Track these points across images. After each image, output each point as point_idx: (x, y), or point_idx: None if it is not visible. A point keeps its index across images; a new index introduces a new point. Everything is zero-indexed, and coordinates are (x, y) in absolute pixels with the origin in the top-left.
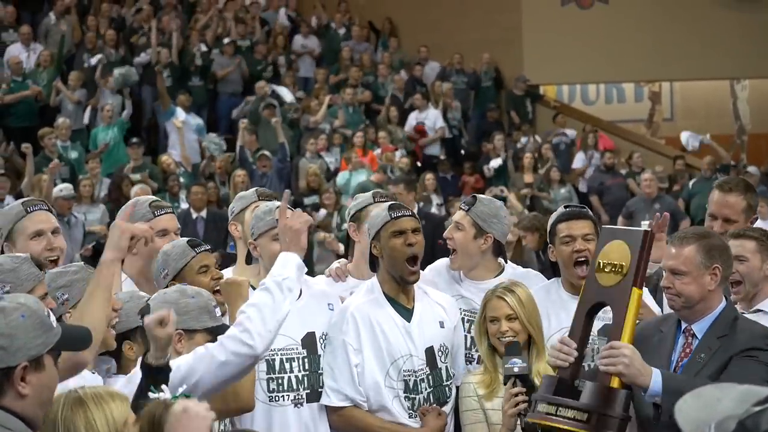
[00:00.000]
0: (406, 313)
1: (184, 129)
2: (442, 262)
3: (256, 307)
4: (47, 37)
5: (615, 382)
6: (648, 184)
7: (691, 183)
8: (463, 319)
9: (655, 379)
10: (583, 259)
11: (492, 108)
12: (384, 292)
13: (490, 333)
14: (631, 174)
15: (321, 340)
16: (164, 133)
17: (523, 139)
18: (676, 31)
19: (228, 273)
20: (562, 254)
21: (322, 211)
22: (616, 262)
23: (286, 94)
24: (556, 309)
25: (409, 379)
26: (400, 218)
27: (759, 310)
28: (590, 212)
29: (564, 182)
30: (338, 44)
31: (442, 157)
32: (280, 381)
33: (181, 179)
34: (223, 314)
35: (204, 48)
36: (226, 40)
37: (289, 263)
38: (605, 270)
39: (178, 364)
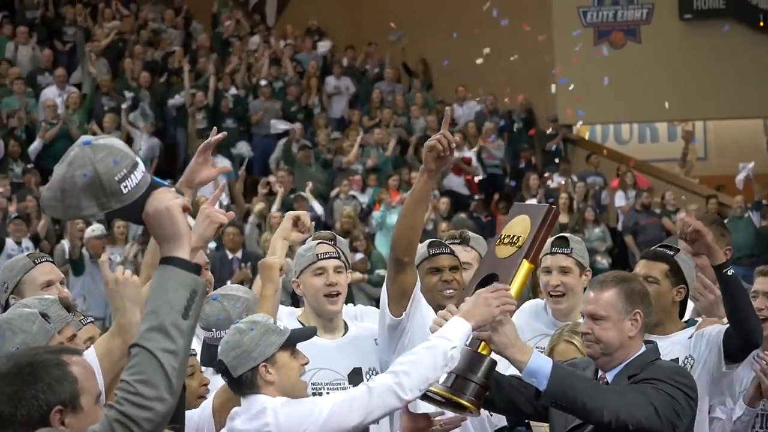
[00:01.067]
0: None
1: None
2: (536, 303)
3: (417, 363)
4: (83, 80)
5: (484, 349)
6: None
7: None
8: None
9: (535, 359)
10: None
11: (525, 148)
12: None
13: None
14: (665, 213)
15: (367, 376)
16: None
17: (557, 179)
18: (709, 69)
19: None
20: None
21: (358, 254)
22: (514, 235)
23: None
24: None
25: None
26: (438, 255)
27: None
28: (668, 254)
29: (598, 222)
30: (370, 85)
31: (477, 197)
32: None
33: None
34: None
35: (236, 90)
36: (264, 82)
37: (461, 330)
38: (504, 242)
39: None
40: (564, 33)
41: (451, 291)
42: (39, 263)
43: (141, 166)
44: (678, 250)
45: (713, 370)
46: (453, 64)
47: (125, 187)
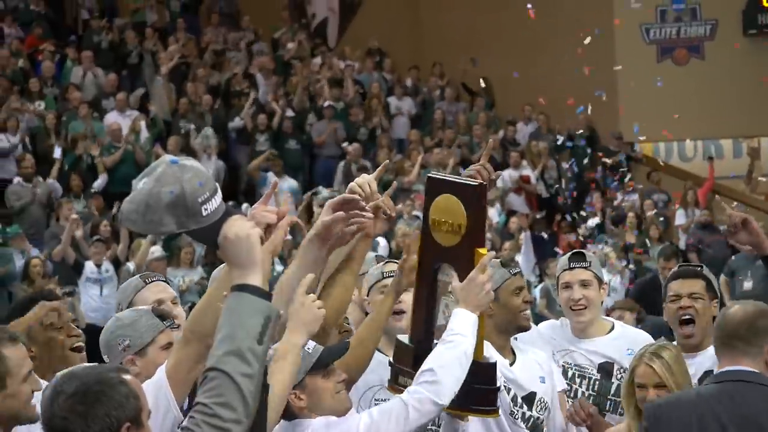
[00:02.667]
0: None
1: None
2: (551, 323)
3: (445, 368)
4: (149, 102)
5: (479, 356)
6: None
7: None
8: (574, 374)
9: None
10: (688, 317)
11: (588, 167)
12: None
13: (638, 399)
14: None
15: (539, 403)
16: (260, 196)
17: (621, 197)
18: None
19: None
20: (669, 313)
21: None
22: (452, 221)
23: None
24: None
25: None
26: (517, 275)
27: None
28: (703, 271)
29: (662, 240)
30: (432, 105)
31: (538, 216)
32: None
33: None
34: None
35: (294, 112)
36: (326, 104)
37: (470, 322)
38: (442, 229)
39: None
40: (627, 50)
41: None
42: (150, 282)
43: (219, 192)
44: (702, 266)
45: None
46: (515, 83)
47: (205, 209)
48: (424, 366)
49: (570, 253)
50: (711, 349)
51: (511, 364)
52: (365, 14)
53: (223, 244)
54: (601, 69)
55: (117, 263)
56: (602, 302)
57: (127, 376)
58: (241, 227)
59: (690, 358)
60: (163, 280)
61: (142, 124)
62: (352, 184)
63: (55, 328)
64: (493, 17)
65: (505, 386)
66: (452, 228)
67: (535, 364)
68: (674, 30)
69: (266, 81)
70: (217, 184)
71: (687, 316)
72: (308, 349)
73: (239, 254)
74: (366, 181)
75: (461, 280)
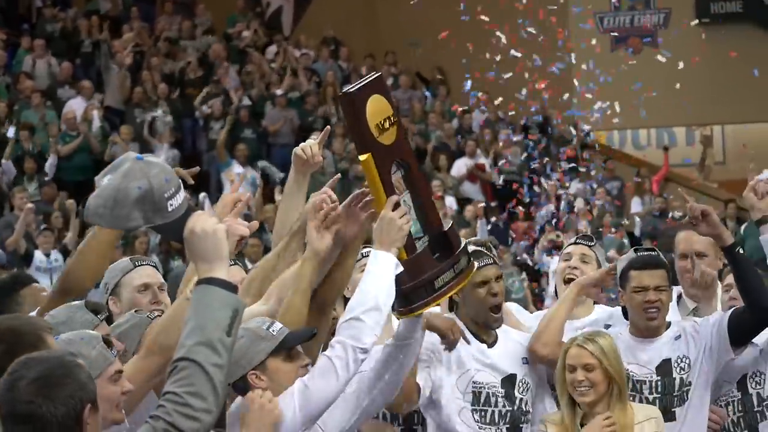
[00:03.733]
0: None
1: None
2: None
3: (362, 321)
4: (105, 91)
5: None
6: None
7: (742, 227)
8: None
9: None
10: (654, 310)
11: (541, 154)
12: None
13: (568, 382)
14: (684, 218)
15: (520, 384)
16: (217, 184)
17: (575, 185)
18: (726, 74)
19: None
20: (632, 302)
21: None
22: (389, 116)
23: (275, 173)
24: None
25: (480, 392)
26: (483, 267)
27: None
28: (663, 258)
29: (617, 226)
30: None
31: (493, 204)
32: (483, 413)
33: None
34: None
35: (252, 100)
36: (278, 92)
37: (391, 264)
38: (385, 128)
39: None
40: (581, 39)
41: (497, 301)
42: (139, 266)
43: (182, 188)
44: (658, 252)
45: (721, 358)
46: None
47: (171, 205)
48: (345, 314)
49: (580, 234)
50: (665, 336)
51: (490, 346)
52: (320, 3)
53: (189, 238)
54: (556, 57)
55: (66, 252)
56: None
57: (81, 360)
58: (207, 222)
59: (647, 344)
60: (152, 265)
61: (95, 113)
62: (296, 149)
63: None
64: (447, 6)
65: (478, 371)
66: (390, 122)
67: (517, 344)
68: (628, 18)
69: (221, 69)
70: (180, 181)
71: (653, 310)
72: (273, 331)
73: (206, 249)
74: (308, 144)
75: (414, 171)
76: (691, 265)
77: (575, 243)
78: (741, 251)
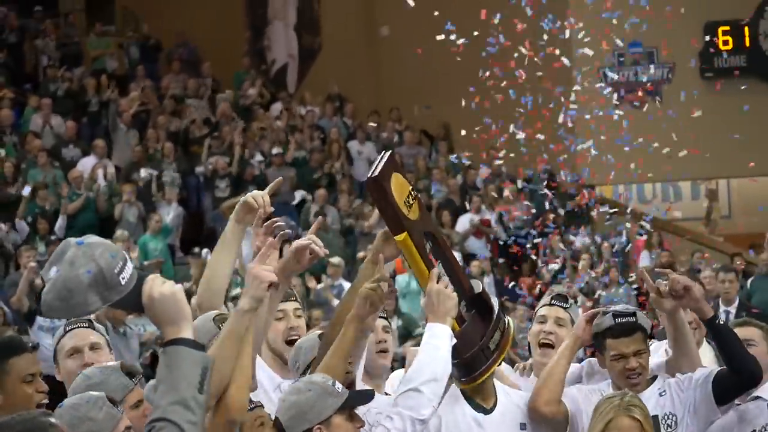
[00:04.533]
0: (484, 411)
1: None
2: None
3: (418, 380)
4: (112, 151)
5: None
6: (709, 281)
7: (749, 281)
8: None
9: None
10: (636, 375)
11: (547, 210)
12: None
13: None
14: (691, 272)
15: None
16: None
17: (580, 240)
18: (731, 127)
19: None
20: (613, 368)
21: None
22: (410, 191)
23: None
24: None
25: None
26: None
27: (758, 397)
28: (640, 320)
29: (623, 282)
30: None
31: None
32: None
33: (238, 289)
34: None
35: (260, 158)
36: (274, 151)
37: (446, 336)
38: (410, 203)
39: None
40: (585, 93)
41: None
42: (69, 330)
43: (129, 259)
44: (636, 312)
45: (708, 417)
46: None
47: (123, 279)
48: (402, 386)
49: (554, 293)
50: (649, 391)
51: (490, 410)
52: (324, 60)
53: (149, 305)
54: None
55: None
56: None
57: (54, 419)
58: (164, 286)
59: None
60: (85, 326)
61: (99, 172)
62: (246, 196)
63: (27, 381)
64: (451, 63)
65: None
66: (412, 197)
67: (516, 408)
68: (632, 73)
69: (227, 127)
70: (125, 253)
71: (635, 375)
72: (338, 388)
73: (168, 311)
74: (259, 194)
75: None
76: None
77: (550, 304)
78: (721, 322)
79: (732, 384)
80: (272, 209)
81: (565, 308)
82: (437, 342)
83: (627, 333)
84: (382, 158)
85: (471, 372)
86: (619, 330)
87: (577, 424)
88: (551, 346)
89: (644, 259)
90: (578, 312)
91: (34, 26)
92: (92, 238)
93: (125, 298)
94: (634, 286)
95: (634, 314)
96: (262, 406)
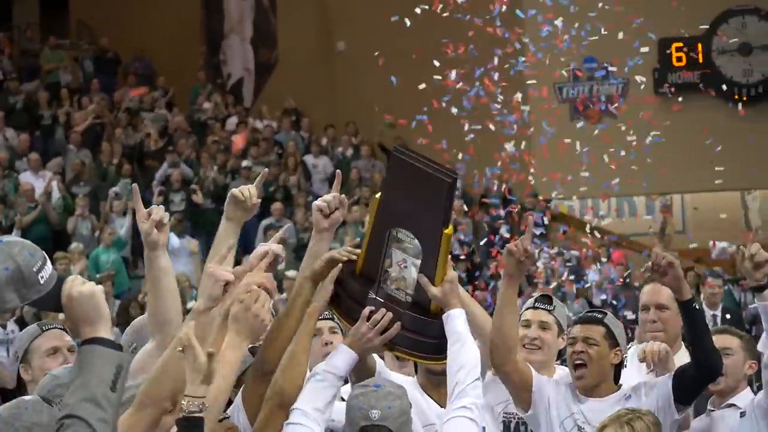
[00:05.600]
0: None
1: (178, 253)
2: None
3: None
4: (65, 166)
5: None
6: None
7: (701, 296)
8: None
9: None
10: (579, 362)
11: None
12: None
13: None
14: (641, 287)
15: None
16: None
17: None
18: (685, 143)
19: None
20: (567, 354)
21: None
22: None
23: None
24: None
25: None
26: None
27: (732, 405)
28: (607, 320)
29: (578, 296)
30: (347, 165)
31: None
32: None
33: (192, 302)
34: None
35: (215, 172)
36: (243, 164)
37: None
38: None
39: None
40: (540, 109)
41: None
42: (46, 330)
43: (48, 260)
44: (607, 313)
45: (666, 419)
46: (430, 142)
47: (42, 278)
48: (466, 377)
49: (538, 295)
50: (613, 397)
51: None
52: (280, 74)
53: (68, 304)
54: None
55: (23, 324)
56: (558, 350)
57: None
58: (83, 285)
59: (583, 402)
60: (60, 328)
61: (54, 184)
62: (233, 190)
63: None
64: (407, 77)
65: None
66: None
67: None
68: (587, 88)
69: (183, 141)
70: (44, 253)
71: (579, 361)
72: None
73: (87, 311)
74: (246, 187)
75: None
76: (651, 316)
77: (534, 307)
78: (697, 307)
79: (692, 379)
80: (258, 201)
81: (549, 311)
82: (465, 328)
83: (587, 321)
84: (427, 158)
85: (442, 351)
86: (582, 318)
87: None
88: (539, 348)
89: (593, 274)
90: (564, 313)
91: None
92: (11, 237)
93: (45, 298)
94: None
95: (604, 313)
96: (228, 417)
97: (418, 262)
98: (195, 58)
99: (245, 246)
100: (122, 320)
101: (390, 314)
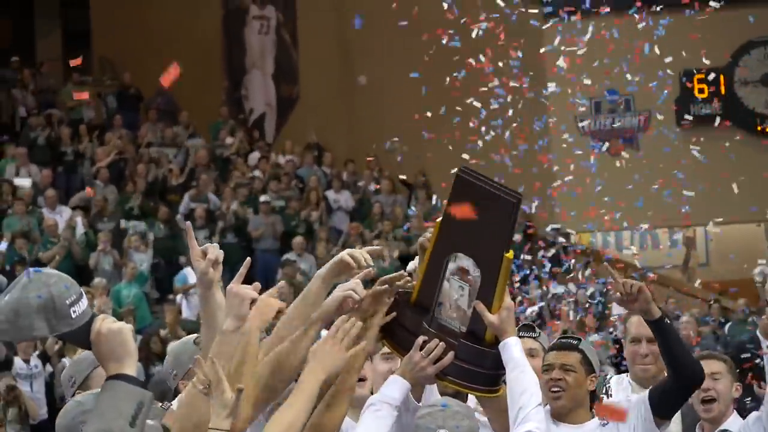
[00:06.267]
0: None
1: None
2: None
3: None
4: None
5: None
6: (685, 326)
7: (726, 327)
8: None
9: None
10: (557, 389)
11: (525, 259)
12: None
13: None
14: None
15: None
16: None
17: (559, 288)
18: (708, 175)
19: None
20: (543, 382)
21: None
22: None
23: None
24: None
25: None
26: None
27: (724, 430)
28: (582, 346)
29: (600, 329)
30: (369, 199)
31: None
32: None
33: None
34: None
35: (237, 206)
36: (262, 198)
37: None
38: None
39: None
40: (561, 142)
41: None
42: None
43: (85, 296)
44: (581, 339)
45: None
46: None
47: (74, 312)
48: (530, 402)
49: (520, 325)
50: (591, 423)
51: None
52: (302, 109)
53: (96, 340)
54: (537, 161)
55: (46, 358)
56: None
57: None
58: (112, 323)
59: (558, 426)
60: None
61: (78, 220)
62: (342, 254)
63: None
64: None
65: None
66: None
67: None
68: (608, 121)
69: (205, 176)
70: (81, 289)
71: (556, 388)
72: None
73: (114, 348)
74: (359, 252)
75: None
76: (643, 350)
77: (519, 337)
78: (668, 322)
79: (673, 392)
80: (375, 270)
81: (534, 338)
82: (523, 356)
83: (562, 348)
84: (489, 180)
85: (496, 384)
86: (557, 344)
87: None
88: None
89: (617, 308)
90: (547, 339)
91: (11, 75)
92: (50, 270)
93: (75, 333)
94: (610, 330)
95: (579, 339)
96: None
97: (476, 290)
98: (217, 93)
99: (267, 281)
100: (143, 355)
101: (443, 344)
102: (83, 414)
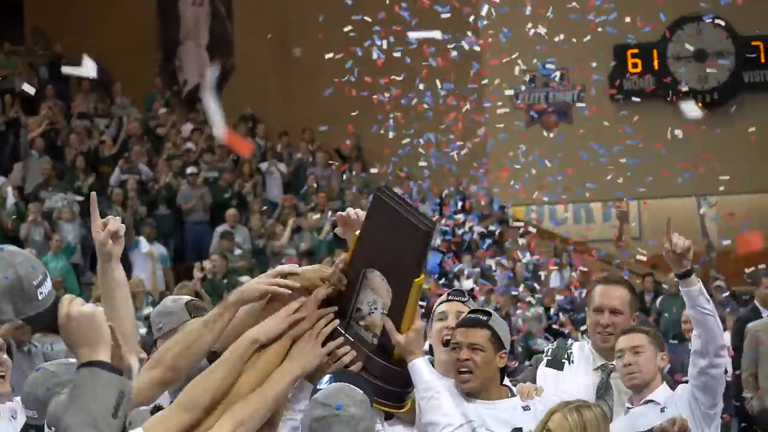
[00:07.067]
0: None
1: (149, 258)
2: None
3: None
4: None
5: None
6: None
7: (658, 300)
8: None
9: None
10: (465, 369)
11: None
12: None
13: None
14: None
15: None
16: (129, 262)
17: (491, 261)
18: (642, 149)
19: None
20: (450, 358)
21: None
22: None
23: None
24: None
25: None
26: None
27: (650, 401)
28: (492, 322)
29: (534, 303)
30: (304, 171)
31: None
32: None
33: (150, 308)
34: None
35: (170, 177)
36: (189, 170)
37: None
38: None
39: None
40: (497, 115)
41: None
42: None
43: (49, 277)
44: (491, 314)
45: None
46: (388, 148)
47: (41, 293)
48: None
49: (450, 290)
50: (505, 403)
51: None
52: (237, 81)
53: (65, 324)
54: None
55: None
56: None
57: None
58: (83, 306)
59: (469, 402)
60: None
61: (9, 190)
62: (342, 213)
63: None
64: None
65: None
66: None
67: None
68: (543, 95)
69: (137, 147)
70: (45, 269)
71: (464, 368)
72: None
73: (86, 332)
74: (354, 210)
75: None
76: (605, 320)
77: (448, 300)
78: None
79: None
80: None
81: (463, 302)
82: (434, 376)
83: (470, 324)
84: (401, 201)
85: (399, 402)
86: (465, 320)
87: None
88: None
89: (555, 280)
90: (476, 305)
91: None
92: (13, 247)
93: (40, 315)
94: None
95: (489, 314)
96: None
97: (388, 305)
98: (151, 64)
99: (199, 252)
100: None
101: (353, 353)
102: (57, 386)
